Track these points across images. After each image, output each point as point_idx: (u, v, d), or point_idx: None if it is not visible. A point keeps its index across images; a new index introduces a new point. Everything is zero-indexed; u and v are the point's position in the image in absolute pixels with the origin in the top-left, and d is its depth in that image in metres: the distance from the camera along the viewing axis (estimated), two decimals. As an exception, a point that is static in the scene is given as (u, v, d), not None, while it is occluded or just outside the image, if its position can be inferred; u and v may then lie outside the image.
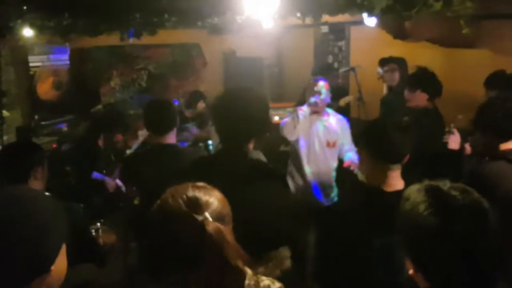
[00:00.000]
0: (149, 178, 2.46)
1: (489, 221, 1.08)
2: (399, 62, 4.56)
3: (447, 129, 3.16)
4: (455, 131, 3.09)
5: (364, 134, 1.91)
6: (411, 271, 1.16)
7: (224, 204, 1.27)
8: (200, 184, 1.29)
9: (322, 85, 3.43)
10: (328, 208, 3.49)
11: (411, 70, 3.66)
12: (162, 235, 1.21)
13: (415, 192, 1.16)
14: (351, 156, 3.43)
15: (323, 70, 4.86)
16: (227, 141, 1.99)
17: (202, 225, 1.15)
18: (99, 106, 4.21)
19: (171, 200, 1.22)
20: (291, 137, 3.49)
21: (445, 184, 1.14)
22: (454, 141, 3.07)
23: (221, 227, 1.17)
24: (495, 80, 3.64)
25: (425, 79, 3.39)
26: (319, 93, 3.40)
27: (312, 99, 3.40)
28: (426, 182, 1.18)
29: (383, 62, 4.65)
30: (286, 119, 3.49)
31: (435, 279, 1.10)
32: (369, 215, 1.67)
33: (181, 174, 1.79)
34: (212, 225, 1.16)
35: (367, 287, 1.66)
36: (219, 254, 1.14)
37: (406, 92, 3.48)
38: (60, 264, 1.00)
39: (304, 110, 3.44)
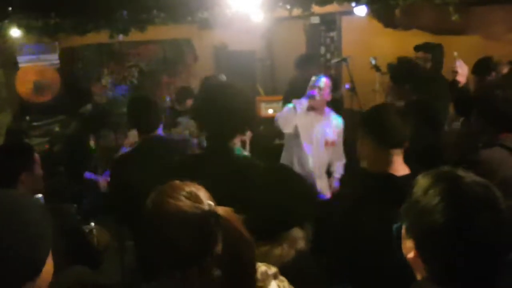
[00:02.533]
0: (142, 174, 2.45)
1: (503, 219, 1.03)
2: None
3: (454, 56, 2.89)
4: (462, 62, 2.87)
5: (365, 120, 1.90)
6: (411, 255, 1.12)
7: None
8: (189, 183, 1.29)
9: (323, 80, 3.39)
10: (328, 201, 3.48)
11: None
12: (166, 234, 1.21)
13: (428, 180, 1.10)
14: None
15: (304, 62, 4.72)
16: (212, 139, 2.00)
17: (213, 211, 1.18)
18: (88, 105, 4.15)
19: (170, 197, 1.21)
20: (286, 129, 3.44)
21: (461, 175, 1.08)
22: (462, 74, 2.85)
23: (230, 210, 1.21)
24: (481, 66, 3.61)
25: (408, 71, 3.34)
26: (319, 88, 3.35)
27: (311, 93, 3.34)
28: (443, 169, 1.12)
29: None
30: (284, 111, 3.45)
31: (436, 269, 1.07)
32: (384, 201, 1.64)
33: (169, 172, 1.79)
34: (221, 209, 1.19)
35: (379, 273, 1.63)
36: (234, 232, 1.18)
37: (392, 86, 3.42)
38: (48, 266, 1.01)
39: (302, 103, 3.37)
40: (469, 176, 1.08)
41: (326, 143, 3.45)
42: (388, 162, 1.79)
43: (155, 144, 2.66)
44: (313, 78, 3.44)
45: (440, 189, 1.06)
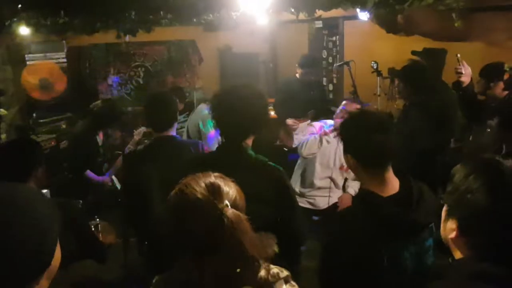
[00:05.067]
0: (152, 172, 2.49)
1: None
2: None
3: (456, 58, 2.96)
4: (464, 63, 2.92)
5: (344, 135, 1.74)
6: (453, 235, 1.18)
7: (240, 195, 1.30)
8: (218, 174, 1.33)
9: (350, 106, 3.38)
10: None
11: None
12: (182, 221, 1.25)
13: (468, 167, 1.18)
14: None
15: (309, 63, 4.84)
16: (227, 138, 2.03)
17: (221, 211, 1.19)
18: (98, 102, 4.12)
19: (192, 185, 1.25)
20: (306, 156, 3.48)
21: (500, 161, 1.17)
22: (466, 74, 2.90)
23: (241, 214, 1.21)
24: (491, 70, 3.64)
25: (413, 73, 3.40)
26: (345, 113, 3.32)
27: (339, 120, 3.30)
28: (486, 157, 1.21)
29: None
30: (307, 138, 3.46)
31: (479, 248, 1.13)
32: (371, 226, 1.56)
33: (182, 169, 1.83)
34: (231, 212, 1.19)
35: None
36: (237, 242, 1.17)
37: (401, 85, 3.49)
38: (55, 257, 1.03)
39: (330, 135, 3.40)
40: (507, 162, 1.17)
41: (342, 167, 3.49)
42: (378, 180, 1.63)
43: (166, 144, 2.69)
44: (342, 104, 3.47)
45: (481, 173, 1.15)
